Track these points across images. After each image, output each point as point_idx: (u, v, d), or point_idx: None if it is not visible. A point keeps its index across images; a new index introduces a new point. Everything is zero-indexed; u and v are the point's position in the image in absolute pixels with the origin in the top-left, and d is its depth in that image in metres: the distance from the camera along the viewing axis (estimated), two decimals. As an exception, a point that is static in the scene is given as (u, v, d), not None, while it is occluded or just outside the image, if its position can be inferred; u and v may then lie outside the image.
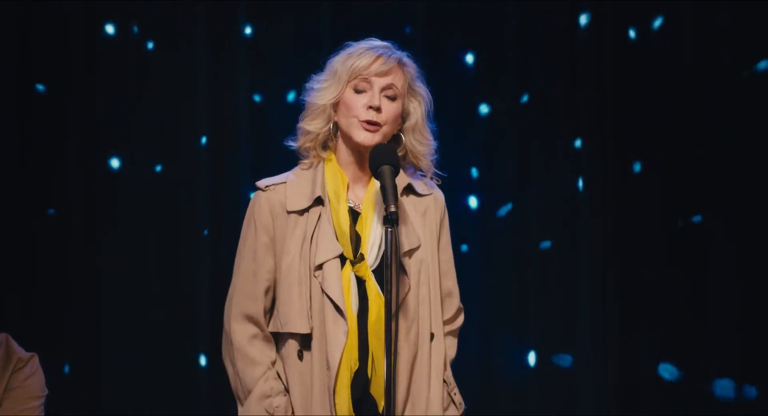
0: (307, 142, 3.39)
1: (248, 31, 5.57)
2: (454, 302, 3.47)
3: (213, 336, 5.41)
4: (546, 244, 5.62)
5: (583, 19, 5.59)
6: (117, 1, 5.51)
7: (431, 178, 3.47)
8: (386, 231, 3.14)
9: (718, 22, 5.47)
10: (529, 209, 5.62)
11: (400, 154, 3.37)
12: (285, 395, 3.31)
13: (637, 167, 5.57)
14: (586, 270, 5.58)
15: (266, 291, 3.35)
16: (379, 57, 3.34)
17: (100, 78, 5.52)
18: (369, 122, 3.31)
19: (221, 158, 5.57)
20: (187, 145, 5.57)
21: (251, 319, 3.34)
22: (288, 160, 3.47)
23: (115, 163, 5.56)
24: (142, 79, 5.55)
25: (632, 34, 5.58)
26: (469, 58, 5.64)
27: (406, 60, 3.40)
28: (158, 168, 5.58)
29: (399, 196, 3.33)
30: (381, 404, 3.25)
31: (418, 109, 3.40)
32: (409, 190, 3.41)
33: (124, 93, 5.53)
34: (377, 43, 3.40)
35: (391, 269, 3.13)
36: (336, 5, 5.56)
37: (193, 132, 5.57)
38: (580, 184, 5.59)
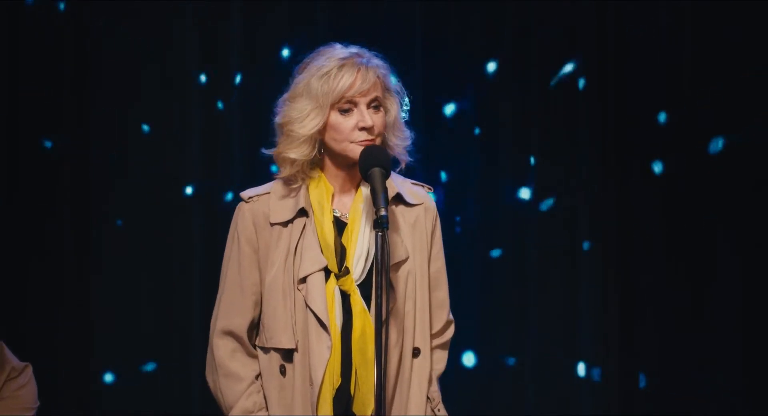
0: (295, 168, 3.26)
1: (244, 31, 5.55)
2: (444, 314, 3.37)
3: (206, 340, 5.42)
4: (546, 246, 5.59)
5: (584, 19, 5.57)
6: (107, 2, 5.49)
7: (424, 186, 3.39)
8: (376, 236, 3.05)
9: (721, 21, 5.45)
10: (530, 210, 5.59)
11: None
12: (267, 409, 3.24)
13: (639, 170, 5.54)
14: (587, 273, 5.56)
15: (255, 305, 3.28)
16: (358, 72, 3.20)
17: (90, 78, 5.51)
18: (364, 141, 3.20)
19: (214, 162, 5.56)
20: (180, 148, 5.55)
21: (233, 334, 3.28)
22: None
23: (108, 164, 5.54)
24: (133, 79, 5.53)
25: (633, 33, 5.55)
26: (468, 59, 5.62)
27: (379, 62, 3.27)
28: (152, 171, 5.56)
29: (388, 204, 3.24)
30: None
31: (395, 105, 3.28)
32: (398, 199, 3.31)
33: (115, 93, 5.51)
34: (344, 52, 3.25)
35: (381, 275, 3.04)
36: (333, 5, 5.54)
37: (186, 133, 5.55)
38: (580, 186, 5.57)
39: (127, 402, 5.49)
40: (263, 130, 5.33)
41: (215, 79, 5.57)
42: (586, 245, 5.55)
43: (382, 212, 3.05)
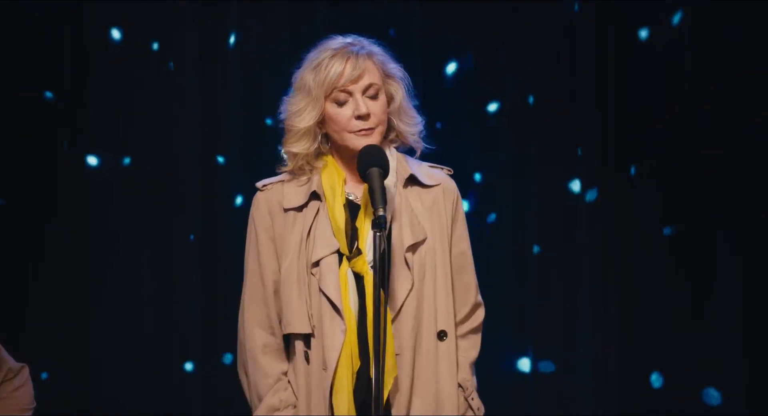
0: (299, 161, 3.27)
1: (241, 31, 5.54)
2: (471, 298, 3.35)
3: (205, 340, 5.44)
4: (546, 248, 5.58)
5: (583, 19, 5.55)
6: (106, 2, 5.49)
7: (443, 169, 3.36)
8: (374, 236, 3.02)
9: (721, 21, 5.44)
10: (529, 212, 5.58)
11: (390, 137, 3.29)
12: (294, 407, 3.23)
13: (638, 170, 5.53)
14: (587, 273, 5.55)
15: (276, 294, 3.26)
16: (347, 61, 3.20)
17: (90, 78, 5.51)
18: (362, 130, 3.21)
19: (213, 161, 5.55)
20: (178, 149, 5.54)
21: (264, 325, 3.27)
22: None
23: (107, 165, 5.54)
24: (132, 81, 5.53)
25: (635, 34, 5.54)
26: (466, 60, 5.61)
27: (373, 48, 3.27)
28: (150, 171, 5.55)
29: (403, 187, 3.25)
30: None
31: (399, 91, 3.28)
32: (413, 180, 3.29)
33: (115, 96, 5.51)
34: (337, 42, 3.25)
35: (379, 275, 3.01)
36: (331, 5, 5.53)
37: (184, 134, 5.54)
38: (580, 187, 5.56)
39: (127, 402, 5.49)
40: (264, 130, 5.36)
41: (215, 80, 5.56)
42: (586, 246, 5.55)
43: (381, 213, 3.03)
